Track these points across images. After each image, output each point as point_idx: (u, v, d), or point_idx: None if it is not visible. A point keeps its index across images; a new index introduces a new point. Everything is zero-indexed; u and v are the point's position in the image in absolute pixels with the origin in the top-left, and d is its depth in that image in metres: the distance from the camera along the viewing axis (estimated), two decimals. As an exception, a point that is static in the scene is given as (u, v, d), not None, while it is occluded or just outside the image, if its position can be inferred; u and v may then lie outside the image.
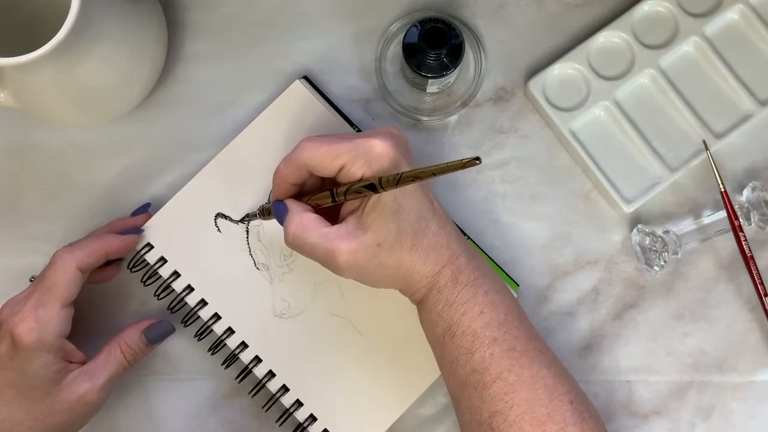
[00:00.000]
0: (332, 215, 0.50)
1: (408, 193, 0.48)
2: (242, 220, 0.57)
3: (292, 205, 0.49)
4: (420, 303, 0.50)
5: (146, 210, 0.57)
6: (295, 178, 0.49)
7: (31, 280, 0.56)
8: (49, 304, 0.49)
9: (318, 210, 0.50)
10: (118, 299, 0.58)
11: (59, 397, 0.49)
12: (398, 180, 0.44)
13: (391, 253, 0.47)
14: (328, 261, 0.48)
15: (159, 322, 0.55)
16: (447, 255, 0.49)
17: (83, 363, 0.51)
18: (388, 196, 0.47)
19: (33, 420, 0.49)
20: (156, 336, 0.54)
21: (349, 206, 0.49)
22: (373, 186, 0.45)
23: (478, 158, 0.39)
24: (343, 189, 0.47)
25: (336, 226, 0.48)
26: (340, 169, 0.47)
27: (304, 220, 0.48)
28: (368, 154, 0.47)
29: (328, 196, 0.48)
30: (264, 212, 0.54)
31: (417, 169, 0.43)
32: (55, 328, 0.49)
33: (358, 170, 0.46)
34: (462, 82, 0.59)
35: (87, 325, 0.56)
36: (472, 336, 0.47)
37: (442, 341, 0.49)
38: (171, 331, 0.55)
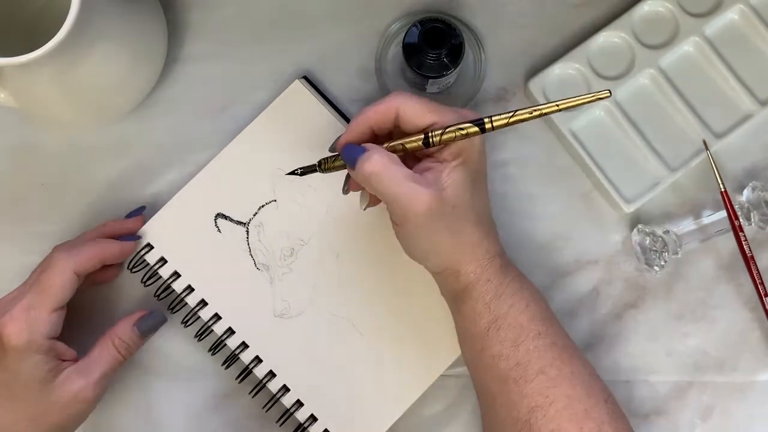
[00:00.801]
0: None
1: (483, 174, 0.49)
2: (294, 173, 0.53)
3: (371, 145, 0.47)
4: (462, 292, 0.49)
5: (141, 213, 0.57)
6: (379, 123, 0.47)
7: None
8: (41, 306, 0.49)
9: None
10: (118, 299, 0.58)
11: (53, 396, 0.49)
12: (510, 118, 0.42)
13: (459, 219, 0.47)
14: (404, 202, 0.45)
15: (150, 314, 0.54)
16: (498, 245, 0.50)
17: (75, 360, 0.51)
18: (471, 165, 0.47)
19: (29, 420, 0.49)
20: (148, 327, 0.54)
21: (424, 164, 0.48)
22: (481, 123, 0.44)
23: (609, 90, 0.38)
24: (440, 129, 0.45)
25: (418, 174, 0.46)
26: (430, 125, 0.46)
27: (387, 156, 0.46)
28: (462, 117, 0.46)
29: (420, 139, 0.46)
30: (325, 164, 0.51)
31: (536, 105, 0.42)
32: (45, 329, 0.49)
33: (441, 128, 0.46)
34: (462, 82, 0.59)
35: (87, 326, 0.56)
36: (518, 329, 0.47)
37: (485, 334, 0.48)
38: (162, 321, 0.55)
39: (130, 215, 0.57)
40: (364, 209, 0.52)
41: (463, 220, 0.47)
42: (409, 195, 0.45)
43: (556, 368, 0.47)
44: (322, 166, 0.51)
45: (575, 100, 0.39)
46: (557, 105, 0.40)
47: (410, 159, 0.49)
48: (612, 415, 0.47)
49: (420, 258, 0.50)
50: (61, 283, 0.50)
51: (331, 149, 0.52)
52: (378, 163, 0.45)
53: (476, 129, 0.45)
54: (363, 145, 0.47)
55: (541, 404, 0.46)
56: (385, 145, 0.48)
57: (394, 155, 0.47)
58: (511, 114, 0.42)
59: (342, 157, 0.49)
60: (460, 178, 0.47)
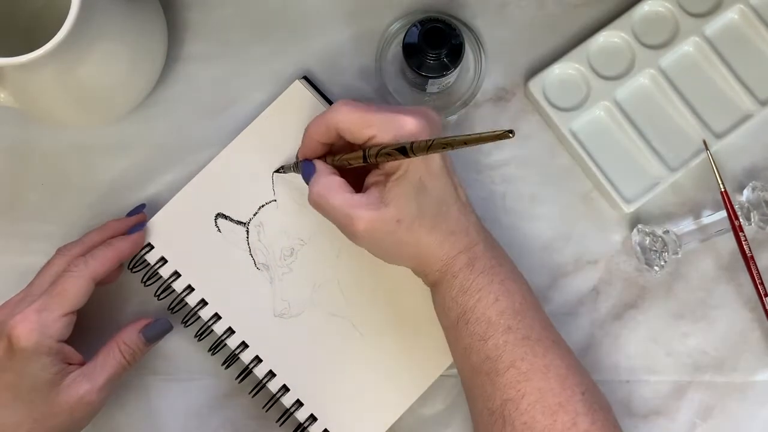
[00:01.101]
0: (356, 185, 0.50)
1: (434, 175, 0.48)
2: (277, 171, 0.57)
3: (320, 166, 0.51)
4: (433, 286, 0.51)
5: (141, 210, 0.57)
6: (324, 138, 0.50)
7: None
8: (54, 310, 0.49)
9: (344, 176, 0.50)
10: (119, 300, 0.58)
11: (59, 399, 0.49)
12: (429, 146, 0.43)
13: (409, 231, 0.48)
14: (346, 226, 0.48)
15: (156, 321, 0.54)
16: (465, 241, 0.49)
17: (82, 364, 0.51)
18: (413, 174, 0.47)
19: (33, 422, 0.49)
20: (154, 334, 0.54)
21: (372, 178, 0.49)
22: (404, 150, 0.45)
23: (511, 131, 0.38)
24: (374, 150, 0.47)
25: (359, 194, 0.49)
26: (369, 139, 0.47)
27: (329, 181, 0.49)
28: (400, 130, 0.47)
29: (360, 156, 0.48)
30: (297, 166, 0.54)
31: (449, 136, 0.43)
32: (55, 333, 0.49)
33: (386, 143, 0.47)
34: (462, 82, 0.59)
35: (87, 326, 0.56)
36: (486, 323, 0.48)
37: (455, 326, 0.49)
38: (169, 329, 0.55)
39: (130, 214, 0.57)
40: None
41: (414, 230, 0.48)
42: (347, 220, 0.48)
43: (527, 362, 0.47)
44: (297, 167, 0.54)
45: (479, 137, 0.40)
46: (465, 141, 0.41)
47: (364, 168, 0.50)
48: (589, 406, 0.46)
49: (387, 262, 0.51)
50: (77, 288, 0.50)
51: (297, 157, 0.55)
52: (318, 195, 0.49)
53: (400, 154, 0.45)
54: (314, 162, 0.51)
55: (513, 397, 0.46)
56: (333, 158, 0.51)
57: (337, 179, 0.49)
58: (431, 142, 0.43)
59: (300, 171, 0.53)
60: (402, 191, 0.47)
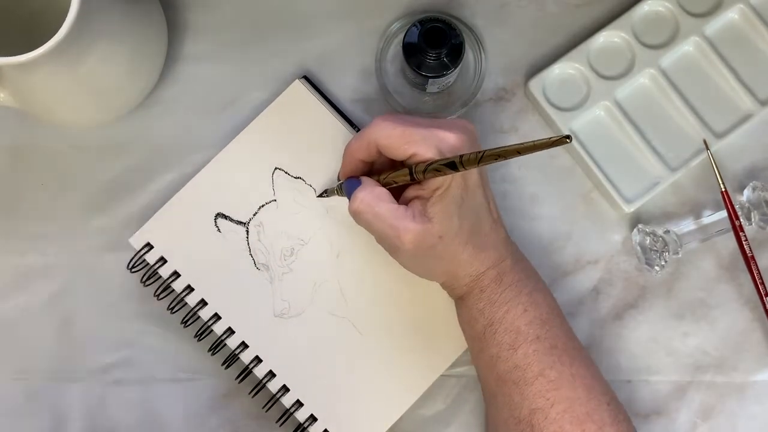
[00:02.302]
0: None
1: (471, 190, 0.48)
2: (321, 195, 0.56)
3: (365, 179, 0.50)
4: (460, 299, 0.51)
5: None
6: (365, 156, 0.49)
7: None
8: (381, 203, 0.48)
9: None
10: (118, 300, 0.58)
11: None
12: (480, 158, 0.42)
13: (447, 247, 0.48)
14: (389, 237, 0.47)
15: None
16: (494, 257, 0.49)
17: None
18: (455, 189, 0.47)
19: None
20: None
21: (412, 192, 0.49)
22: (453, 164, 0.44)
23: (568, 136, 0.37)
24: (422, 167, 0.46)
25: (403, 207, 0.48)
26: (410, 156, 0.47)
27: (376, 190, 0.48)
28: (442, 145, 0.46)
29: (406, 174, 0.47)
30: (341, 189, 0.53)
31: (500, 147, 0.41)
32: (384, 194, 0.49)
33: (430, 159, 0.46)
34: (462, 82, 0.59)
35: (87, 326, 0.56)
36: (515, 333, 0.48)
37: (482, 337, 0.49)
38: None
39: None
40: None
41: (452, 245, 0.48)
42: (394, 233, 0.47)
43: (556, 371, 0.47)
44: (339, 192, 0.53)
45: (534, 145, 0.38)
46: (518, 151, 0.39)
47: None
48: (614, 417, 0.47)
49: (418, 275, 0.51)
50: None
51: (339, 178, 0.54)
52: (363, 202, 0.48)
53: (449, 169, 0.44)
54: (360, 178, 0.50)
55: (542, 406, 0.46)
56: (378, 178, 0.50)
57: (383, 190, 0.48)
58: (481, 154, 0.42)
59: (344, 193, 0.51)
60: (445, 206, 0.47)
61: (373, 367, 0.56)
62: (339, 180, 0.54)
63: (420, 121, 0.48)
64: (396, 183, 0.49)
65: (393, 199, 0.48)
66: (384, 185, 0.49)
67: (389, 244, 0.48)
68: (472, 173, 0.48)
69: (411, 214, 0.47)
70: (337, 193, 0.54)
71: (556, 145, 0.37)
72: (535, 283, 0.51)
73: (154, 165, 0.59)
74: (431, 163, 0.45)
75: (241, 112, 0.59)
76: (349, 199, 0.49)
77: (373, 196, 0.48)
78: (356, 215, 0.49)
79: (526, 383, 0.47)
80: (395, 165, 0.50)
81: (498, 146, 0.41)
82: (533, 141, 0.38)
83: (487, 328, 0.48)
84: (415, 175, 0.47)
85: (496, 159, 0.41)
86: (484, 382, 0.50)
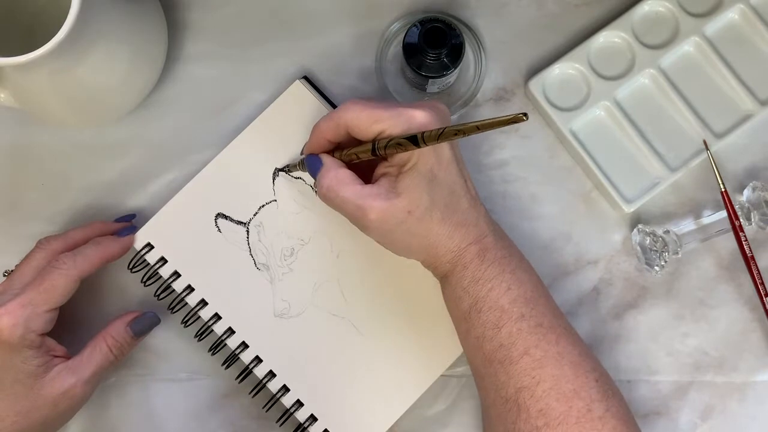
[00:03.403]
0: (364, 177, 0.50)
1: (444, 166, 0.49)
2: (283, 170, 0.57)
3: (327, 160, 0.51)
4: (444, 278, 0.51)
5: (130, 220, 0.57)
6: (333, 136, 0.50)
7: (4, 274, 0.56)
8: (40, 305, 0.49)
9: (351, 168, 0.50)
10: (118, 299, 0.58)
11: (43, 392, 0.49)
12: (440, 134, 0.43)
13: (420, 222, 0.48)
14: (357, 217, 0.48)
15: (144, 314, 0.54)
16: (475, 233, 0.49)
17: (68, 358, 0.51)
18: (424, 165, 0.48)
19: (15, 415, 0.49)
20: (141, 328, 0.54)
21: (382, 169, 0.50)
22: (415, 139, 0.45)
23: (525, 114, 0.38)
24: (383, 142, 0.47)
25: (369, 185, 0.49)
26: (378, 134, 0.48)
27: (339, 174, 0.49)
28: (409, 123, 0.47)
29: (368, 149, 0.48)
30: (303, 164, 0.54)
31: (460, 123, 0.42)
32: (39, 327, 0.49)
33: (386, 140, 0.47)
34: (462, 82, 0.59)
35: (88, 325, 0.56)
36: (499, 311, 0.48)
37: (467, 316, 0.49)
38: (156, 322, 0.55)
39: (119, 220, 0.57)
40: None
41: (425, 220, 0.48)
42: (358, 212, 0.48)
43: (541, 349, 0.47)
44: (302, 165, 0.54)
45: (493, 121, 0.40)
46: (477, 126, 0.41)
47: (373, 160, 0.50)
48: (603, 393, 0.47)
49: (397, 254, 0.51)
50: (64, 286, 0.50)
51: (302, 153, 0.55)
52: (326, 187, 0.49)
53: (411, 144, 0.46)
54: (321, 156, 0.51)
55: (527, 385, 0.46)
56: (341, 153, 0.51)
57: (345, 172, 0.49)
58: (441, 131, 0.43)
59: (306, 168, 0.52)
60: (413, 182, 0.48)
61: (373, 367, 0.56)
62: (302, 155, 0.55)
63: (390, 104, 0.49)
64: (358, 159, 0.50)
65: (357, 179, 0.49)
66: (346, 162, 0.51)
67: (358, 224, 0.49)
68: (445, 149, 0.49)
69: (376, 191, 0.48)
70: (299, 168, 0.55)
71: (514, 122, 0.39)
72: (518, 261, 0.50)
73: (154, 165, 0.59)
74: (392, 138, 0.47)
75: (241, 112, 0.59)
76: (313, 177, 0.51)
77: (337, 179, 0.49)
78: (323, 199, 0.50)
79: (512, 362, 0.47)
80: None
81: (458, 123, 0.42)
82: (492, 118, 0.40)
83: (472, 307, 0.48)
84: (377, 150, 0.48)
85: (455, 134, 0.43)
86: (473, 365, 0.50)
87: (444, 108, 0.50)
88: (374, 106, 0.48)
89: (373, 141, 0.48)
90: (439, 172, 0.48)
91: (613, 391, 0.48)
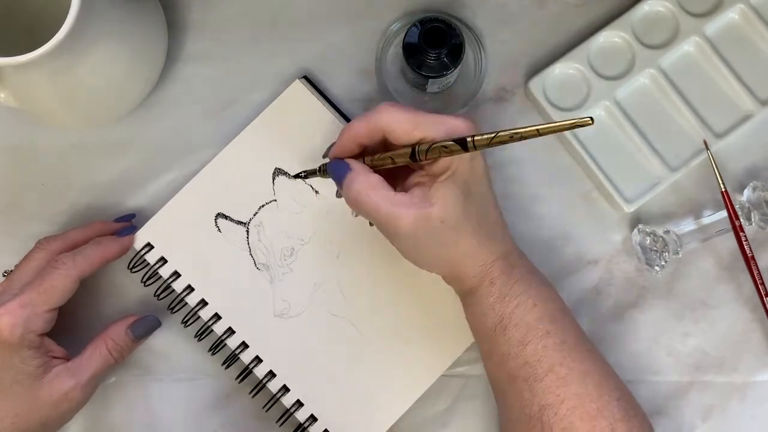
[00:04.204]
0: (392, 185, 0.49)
1: (478, 179, 0.48)
2: (298, 176, 0.55)
3: (356, 165, 0.48)
4: (468, 294, 0.50)
5: (129, 220, 0.57)
6: (366, 140, 0.48)
7: (4, 274, 0.56)
8: (40, 305, 0.49)
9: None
10: (118, 299, 0.58)
11: (42, 393, 0.49)
12: (493, 138, 0.41)
13: (452, 232, 0.47)
14: (388, 225, 0.47)
15: (144, 318, 0.54)
16: (502, 248, 0.49)
17: (67, 359, 0.51)
18: (460, 176, 0.47)
19: (14, 416, 0.49)
20: (142, 331, 0.54)
21: (415, 179, 0.48)
22: (464, 142, 0.43)
23: (591, 118, 0.37)
24: (426, 145, 0.45)
25: (401, 193, 0.47)
26: (419, 140, 0.46)
27: (371, 179, 0.47)
28: (452, 131, 0.46)
29: (407, 153, 0.46)
30: (324, 170, 0.52)
31: (517, 127, 0.41)
32: (39, 327, 0.49)
33: (427, 144, 0.45)
34: (462, 82, 0.59)
35: (87, 325, 0.56)
36: (525, 328, 0.47)
37: (492, 334, 0.48)
38: (157, 325, 0.55)
39: (119, 220, 0.57)
40: (356, 216, 0.54)
41: (457, 231, 0.47)
42: (390, 219, 0.46)
43: (566, 367, 0.47)
44: (322, 171, 0.53)
45: (555, 126, 0.39)
46: (537, 130, 0.39)
47: (404, 170, 0.49)
48: (626, 413, 0.47)
49: (421, 267, 0.50)
50: (63, 286, 0.50)
51: (324, 156, 0.54)
52: (357, 191, 0.47)
53: (459, 147, 0.44)
54: (348, 161, 0.48)
55: (551, 402, 0.46)
56: (372, 158, 0.49)
57: (376, 177, 0.47)
58: (493, 135, 0.42)
59: (329, 174, 0.50)
60: (449, 192, 0.47)
61: (373, 367, 0.56)
62: (324, 157, 0.53)
63: (426, 111, 0.48)
64: (393, 164, 0.48)
65: (388, 186, 0.47)
66: (375, 167, 0.49)
67: (388, 232, 0.47)
68: (480, 161, 0.48)
69: (409, 199, 0.46)
70: (319, 174, 0.53)
71: (579, 126, 0.37)
72: (541, 277, 0.50)
73: (154, 165, 0.59)
74: (438, 141, 0.45)
75: (241, 112, 0.59)
76: (338, 182, 0.48)
77: (368, 184, 0.47)
78: (352, 204, 0.48)
79: (536, 379, 0.46)
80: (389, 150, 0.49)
81: (513, 127, 0.41)
82: (555, 122, 0.38)
83: (498, 324, 0.48)
84: (417, 155, 0.46)
85: (510, 138, 0.41)
86: (495, 381, 0.50)
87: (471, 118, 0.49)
88: (413, 111, 0.47)
89: (414, 145, 0.46)
90: (473, 185, 0.47)
91: (635, 411, 0.48)
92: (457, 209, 0.47)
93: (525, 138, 0.40)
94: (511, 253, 0.50)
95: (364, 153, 0.50)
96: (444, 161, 0.46)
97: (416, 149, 0.46)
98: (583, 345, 0.49)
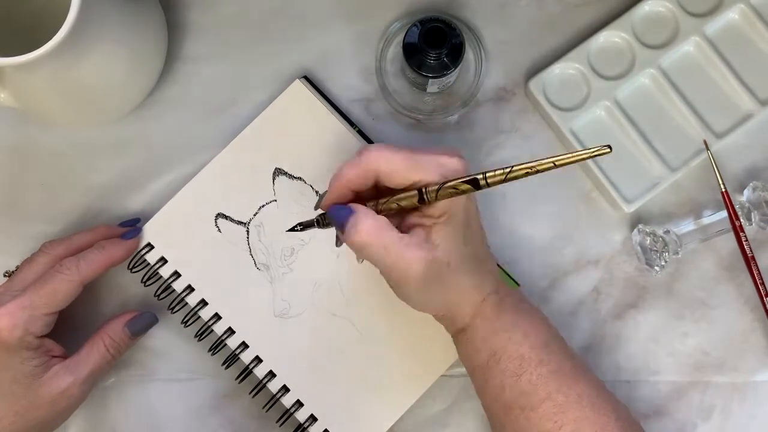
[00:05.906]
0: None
1: (473, 216, 0.47)
2: (293, 229, 0.50)
3: (358, 207, 0.45)
4: (460, 332, 0.49)
5: (135, 224, 0.57)
6: (360, 185, 0.46)
7: (5, 275, 0.56)
8: (40, 308, 0.49)
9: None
10: (118, 299, 0.58)
11: (40, 392, 0.49)
12: (508, 174, 0.40)
13: (454, 274, 0.46)
14: (396, 267, 0.45)
15: (141, 314, 0.55)
16: (493, 282, 0.49)
17: (65, 357, 0.51)
18: (459, 216, 0.45)
19: (14, 415, 0.49)
20: (139, 328, 0.54)
21: (414, 219, 0.46)
22: (476, 182, 0.42)
23: (608, 146, 0.35)
24: (434, 187, 0.44)
25: (406, 235, 0.45)
26: (414, 183, 0.44)
27: (377, 221, 0.44)
28: (444, 170, 0.44)
29: (414, 196, 0.45)
30: (323, 221, 0.49)
31: (531, 161, 0.38)
32: (38, 330, 0.49)
33: (436, 185, 0.44)
34: (462, 82, 0.59)
35: (86, 326, 0.56)
36: (518, 360, 0.47)
37: (485, 367, 0.48)
38: (154, 321, 0.55)
39: (123, 224, 0.57)
40: (361, 262, 0.50)
41: (458, 273, 0.47)
42: (402, 264, 0.44)
43: (562, 394, 0.46)
44: (320, 223, 0.50)
45: (573, 157, 0.37)
46: (554, 163, 0.38)
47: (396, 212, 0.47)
48: (625, 430, 0.47)
49: (417, 308, 0.49)
50: (66, 291, 0.50)
51: (316, 208, 0.52)
52: (366, 233, 0.44)
53: (470, 186, 0.42)
54: (350, 206, 0.45)
55: (550, 429, 0.46)
56: (377, 204, 0.46)
57: (384, 219, 0.45)
58: (508, 170, 0.40)
59: (330, 221, 0.47)
60: (451, 232, 0.46)
61: (373, 367, 0.56)
62: (316, 209, 0.51)
63: (415, 148, 0.46)
64: (399, 208, 0.46)
65: (394, 227, 0.45)
66: (379, 212, 0.46)
67: (397, 276, 0.45)
68: (473, 200, 0.48)
69: (416, 241, 0.45)
70: (318, 225, 0.49)
71: (597, 156, 0.36)
72: (529, 305, 0.50)
73: (154, 165, 0.59)
74: (446, 183, 0.43)
75: (241, 112, 0.59)
76: (341, 226, 0.45)
77: (377, 225, 0.44)
78: (362, 248, 0.45)
79: (533, 408, 0.46)
80: (382, 195, 0.47)
81: (529, 161, 0.39)
82: (570, 152, 0.37)
83: (491, 358, 0.48)
84: (426, 196, 0.44)
85: (526, 174, 0.39)
86: (491, 413, 0.50)
87: (460, 152, 0.47)
88: (404, 151, 0.45)
89: (420, 188, 0.44)
90: (470, 223, 0.47)
91: (632, 427, 0.48)
92: (458, 250, 0.46)
93: (540, 172, 0.39)
94: (501, 284, 0.50)
95: (356, 199, 0.47)
96: (444, 204, 0.45)
97: (424, 192, 0.44)
98: (576, 368, 0.48)
